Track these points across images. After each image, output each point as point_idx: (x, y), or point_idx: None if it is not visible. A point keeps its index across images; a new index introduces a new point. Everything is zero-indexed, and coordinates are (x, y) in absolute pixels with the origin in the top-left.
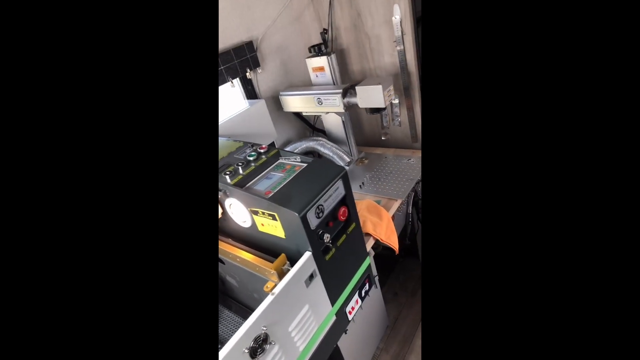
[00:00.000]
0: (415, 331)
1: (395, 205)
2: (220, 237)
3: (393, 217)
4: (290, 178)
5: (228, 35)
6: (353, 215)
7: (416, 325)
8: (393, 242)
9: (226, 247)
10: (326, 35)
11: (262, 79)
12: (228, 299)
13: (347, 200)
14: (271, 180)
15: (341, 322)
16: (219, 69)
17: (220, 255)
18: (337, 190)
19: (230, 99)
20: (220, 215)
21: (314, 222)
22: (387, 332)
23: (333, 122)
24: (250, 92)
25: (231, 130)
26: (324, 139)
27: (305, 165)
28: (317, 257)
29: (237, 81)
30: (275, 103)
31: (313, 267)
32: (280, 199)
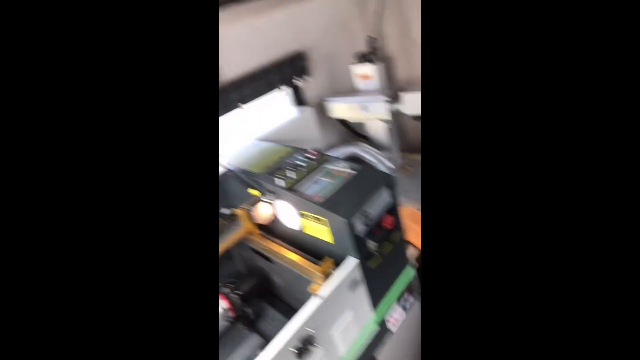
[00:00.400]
0: None
1: None
2: (269, 237)
3: None
4: (339, 184)
5: (280, 45)
6: (399, 224)
7: None
8: None
9: (274, 247)
10: (373, 43)
11: (310, 86)
12: (273, 297)
13: (394, 209)
14: (320, 186)
15: (382, 332)
16: (273, 77)
17: (268, 254)
18: (384, 198)
19: (280, 106)
20: (271, 217)
21: (360, 228)
22: None
23: (377, 128)
24: (299, 99)
25: (281, 136)
26: (367, 145)
27: (353, 171)
28: (362, 263)
29: (287, 89)
30: (321, 109)
31: (358, 273)
32: (329, 204)
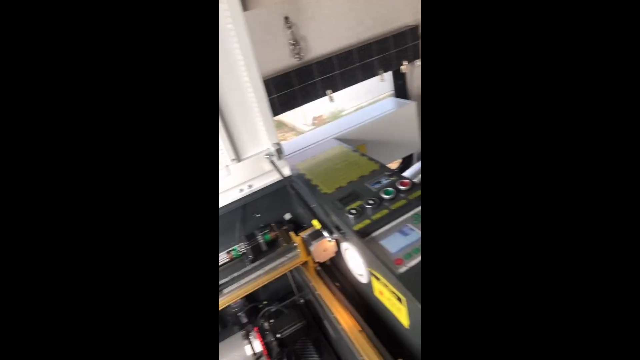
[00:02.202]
0: None
1: None
2: (327, 279)
3: None
4: None
5: (391, 17)
6: None
7: None
8: None
9: (330, 300)
10: None
11: (418, 73)
12: (323, 342)
13: None
14: (407, 239)
15: None
16: (372, 59)
17: (322, 304)
18: None
19: (376, 96)
20: (332, 254)
21: None
22: None
23: None
24: (400, 89)
25: (370, 134)
26: None
27: None
28: None
29: (388, 75)
30: None
31: None
32: (415, 284)
